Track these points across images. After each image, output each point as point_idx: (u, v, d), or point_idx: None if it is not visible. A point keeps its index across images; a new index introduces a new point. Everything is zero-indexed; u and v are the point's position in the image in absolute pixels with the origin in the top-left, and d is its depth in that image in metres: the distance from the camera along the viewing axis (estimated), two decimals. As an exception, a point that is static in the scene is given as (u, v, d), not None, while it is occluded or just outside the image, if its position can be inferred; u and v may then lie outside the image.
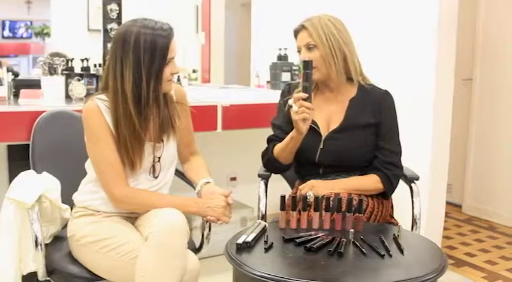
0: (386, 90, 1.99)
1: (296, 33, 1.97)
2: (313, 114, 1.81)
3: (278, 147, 1.97)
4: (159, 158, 1.82)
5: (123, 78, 1.69)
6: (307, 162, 1.98)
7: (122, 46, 1.69)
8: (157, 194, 1.81)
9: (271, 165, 2.02)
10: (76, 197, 1.86)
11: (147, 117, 1.75)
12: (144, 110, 1.73)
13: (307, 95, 1.78)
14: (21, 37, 9.08)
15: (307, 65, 1.80)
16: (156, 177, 1.83)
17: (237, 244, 1.51)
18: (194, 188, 1.94)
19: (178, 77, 3.30)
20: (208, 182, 1.88)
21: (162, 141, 1.83)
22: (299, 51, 1.96)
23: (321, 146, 1.94)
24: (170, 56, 1.72)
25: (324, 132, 1.95)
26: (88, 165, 1.84)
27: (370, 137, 1.94)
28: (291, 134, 1.89)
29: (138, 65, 1.68)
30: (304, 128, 1.81)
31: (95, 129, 1.73)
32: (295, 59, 3.45)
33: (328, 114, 1.98)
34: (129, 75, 1.69)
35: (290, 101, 1.84)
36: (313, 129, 1.95)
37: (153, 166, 1.82)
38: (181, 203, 1.75)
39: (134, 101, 1.70)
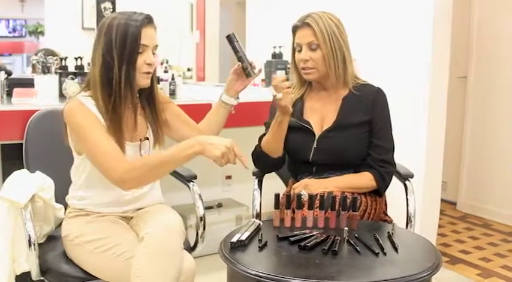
0: (378, 88, 1.98)
1: (296, 29, 1.93)
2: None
3: (265, 139, 1.96)
4: None
5: (93, 63, 1.69)
6: (300, 162, 1.97)
7: (97, 33, 1.70)
8: (156, 157, 1.72)
9: (260, 160, 2.00)
10: (69, 199, 1.85)
11: (119, 109, 1.70)
12: (114, 97, 1.68)
13: (285, 78, 1.82)
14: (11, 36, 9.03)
15: (229, 39, 1.87)
16: None
17: (231, 243, 1.51)
18: (188, 186, 1.93)
19: (173, 75, 3.28)
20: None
21: (147, 139, 1.81)
22: (299, 50, 1.92)
23: (315, 145, 1.93)
24: (143, 43, 1.68)
25: (317, 131, 1.95)
26: (74, 173, 1.81)
27: (363, 134, 1.93)
28: (277, 120, 1.87)
29: (109, 48, 1.66)
30: (290, 106, 1.82)
31: (81, 123, 1.67)
32: (289, 56, 3.44)
33: (321, 114, 1.97)
34: (99, 58, 1.67)
35: (273, 92, 1.80)
36: (307, 129, 1.94)
37: None
38: (184, 146, 1.63)
39: (101, 84, 1.67)
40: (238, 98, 1.99)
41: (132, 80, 1.70)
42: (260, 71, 1.95)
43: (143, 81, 1.73)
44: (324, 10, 1.93)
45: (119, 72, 1.66)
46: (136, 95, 1.78)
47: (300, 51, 1.92)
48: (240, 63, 1.89)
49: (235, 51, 1.87)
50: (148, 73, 1.72)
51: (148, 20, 1.71)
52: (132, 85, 1.71)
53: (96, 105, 1.69)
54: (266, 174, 2.15)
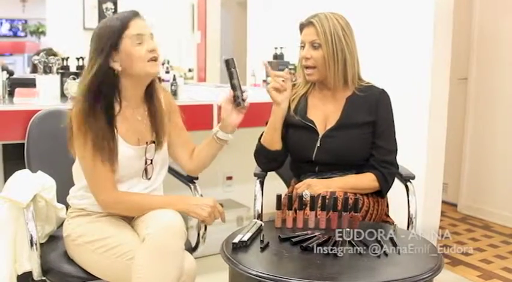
0: (383, 89, 1.99)
1: (302, 27, 1.95)
2: (289, 86, 1.92)
3: (264, 132, 1.99)
4: (151, 160, 1.81)
5: (95, 73, 1.68)
6: (303, 161, 1.98)
7: (90, 44, 1.71)
8: (144, 198, 1.78)
9: (259, 154, 2.01)
10: (70, 199, 1.85)
11: (120, 111, 1.73)
12: (120, 100, 1.71)
13: (286, 75, 1.91)
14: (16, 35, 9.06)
15: (227, 63, 1.77)
16: (149, 179, 1.82)
17: (233, 243, 1.51)
18: (190, 187, 1.92)
19: (174, 76, 3.28)
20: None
21: (154, 142, 1.81)
22: (303, 46, 1.95)
23: (318, 144, 1.94)
24: (139, 33, 1.68)
25: (321, 131, 1.95)
26: (75, 173, 1.81)
27: (367, 135, 1.94)
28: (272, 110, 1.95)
29: (101, 52, 1.67)
30: (278, 97, 1.91)
31: (85, 132, 1.68)
32: (291, 57, 3.45)
33: (325, 113, 1.98)
34: (94, 67, 1.67)
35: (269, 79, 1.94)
36: (310, 128, 1.95)
37: (146, 169, 1.80)
38: (169, 202, 1.73)
39: (100, 91, 1.68)
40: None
41: (140, 70, 1.70)
42: (248, 104, 1.81)
43: (152, 69, 1.72)
44: (333, 11, 1.95)
45: (113, 74, 1.69)
46: (142, 95, 1.78)
47: (304, 48, 1.94)
48: (232, 90, 1.77)
49: (231, 78, 1.75)
50: (154, 60, 1.72)
51: (134, 13, 1.71)
52: (140, 77, 1.72)
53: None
54: (267, 175, 2.14)
